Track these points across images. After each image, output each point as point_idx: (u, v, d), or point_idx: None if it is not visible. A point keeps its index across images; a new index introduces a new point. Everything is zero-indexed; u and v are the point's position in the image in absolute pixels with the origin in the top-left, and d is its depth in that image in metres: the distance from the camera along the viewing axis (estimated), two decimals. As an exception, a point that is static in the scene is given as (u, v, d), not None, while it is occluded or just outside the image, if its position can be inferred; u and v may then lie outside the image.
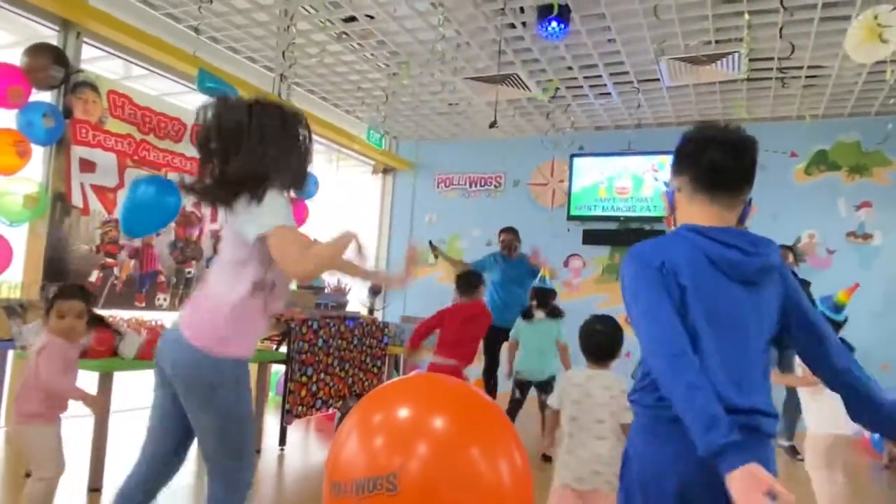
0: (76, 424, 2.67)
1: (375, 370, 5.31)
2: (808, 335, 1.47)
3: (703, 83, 5.84)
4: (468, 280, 4.42)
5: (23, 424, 2.52)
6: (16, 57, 4.12)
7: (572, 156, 7.40)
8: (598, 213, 7.24)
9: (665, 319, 1.31)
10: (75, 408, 2.68)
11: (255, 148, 1.79)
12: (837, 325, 3.14)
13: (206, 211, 5.56)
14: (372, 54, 5.77)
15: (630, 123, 7.11)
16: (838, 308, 3.08)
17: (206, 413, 1.81)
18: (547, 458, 4.27)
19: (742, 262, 1.39)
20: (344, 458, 1.26)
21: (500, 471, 1.27)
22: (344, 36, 5.41)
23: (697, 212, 1.47)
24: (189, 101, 5.79)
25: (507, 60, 5.55)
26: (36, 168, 4.32)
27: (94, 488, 3.27)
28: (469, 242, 7.89)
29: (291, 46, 5.40)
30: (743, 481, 1.08)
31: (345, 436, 1.28)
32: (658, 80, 5.83)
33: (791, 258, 5.73)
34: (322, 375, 4.62)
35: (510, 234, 5.86)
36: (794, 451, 5.13)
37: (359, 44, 5.55)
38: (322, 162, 7.71)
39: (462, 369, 4.20)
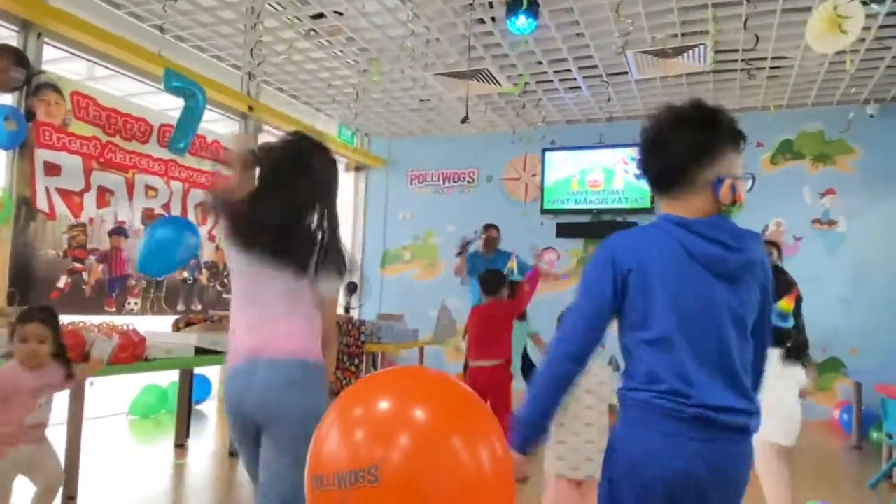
0: (49, 432, 2.60)
1: (353, 368, 5.29)
2: (757, 338, 1.43)
3: (670, 76, 5.92)
4: (488, 280, 4.36)
5: None
6: (-26, 58, 4.01)
7: (544, 150, 7.46)
8: (571, 206, 7.32)
9: (587, 328, 1.43)
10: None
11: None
12: (788, 333, 3.20)
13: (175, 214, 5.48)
14: (341, 51, 5.74)
15: (601, 117, 7.19)
16: (785, 316, 3.13)
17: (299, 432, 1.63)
18: None
19: (722, 258, 1.36)
20: (325, 451, 1.25)
21: (482, 461, 1.27)
22: (312, 33, 5.37)
23: (668, 206, 1.45)
24: (155, 102, 5.69)
25: (477, 56, 5.56)
26: (-2, 172, 4.23)
27: (70, 496, 3.21)
28: (444, 238, 7.90)
29: (259, 44, 5.34)
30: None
31: (325, 429, 1.28)
32: (626, 73, 5.90)
33: (776, 255, 5.59)
34: (299, 375, 4.59)
35: (496, 231, 5.87)
36: None
37: (328, 40, 5.51)
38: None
39: (504, 367, 4.12)
